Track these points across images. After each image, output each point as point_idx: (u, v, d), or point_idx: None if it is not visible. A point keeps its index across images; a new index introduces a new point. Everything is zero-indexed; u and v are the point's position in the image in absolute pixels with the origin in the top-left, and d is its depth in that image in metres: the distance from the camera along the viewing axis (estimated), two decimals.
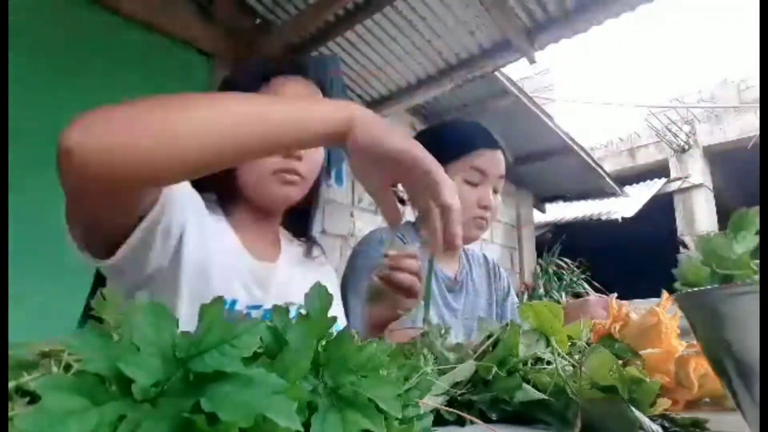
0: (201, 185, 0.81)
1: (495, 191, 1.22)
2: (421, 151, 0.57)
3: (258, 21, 2.72)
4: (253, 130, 0.50)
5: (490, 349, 0.58)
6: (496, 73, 3.18)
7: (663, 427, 0.47)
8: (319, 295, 0.36)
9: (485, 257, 1.41)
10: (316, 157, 0.89)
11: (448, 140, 1.23)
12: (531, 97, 3.93)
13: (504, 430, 0.46)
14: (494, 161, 1.21)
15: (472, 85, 3.21)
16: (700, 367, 0.59)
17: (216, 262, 0.79)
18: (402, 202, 1.27)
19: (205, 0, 2.54)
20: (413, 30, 2.71)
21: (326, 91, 0.94)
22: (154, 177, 0.52)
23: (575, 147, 4.51)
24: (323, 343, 0.34)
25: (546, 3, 2.50)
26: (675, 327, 0.65)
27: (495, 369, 0.53)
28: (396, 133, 0.57)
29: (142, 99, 0.49)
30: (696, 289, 0.40)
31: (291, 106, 0.55)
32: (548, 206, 6.08)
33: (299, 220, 1.00)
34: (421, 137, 1.33)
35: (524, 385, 0.51)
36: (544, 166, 4.81)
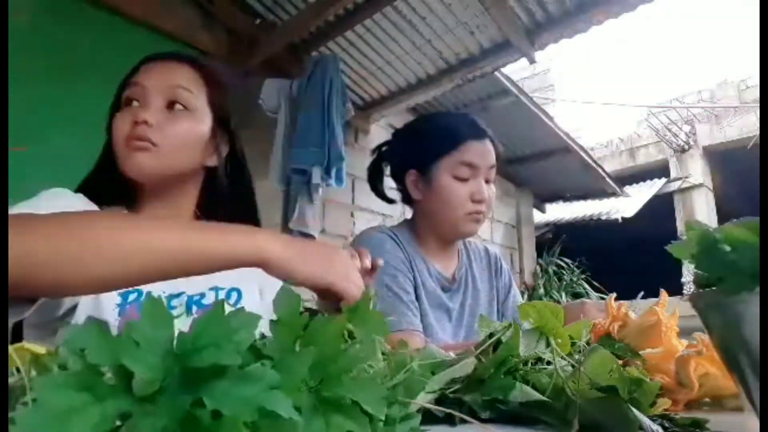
0: (105, 199, 0.86)
1: (487, 181, 1.18)
2: (336, 275, 0.62)
3: (258, 21, 2.72)
4: (165, 261, 0.57)
5: (491, 349, 0.58)
6: (496, 73, 3.18)
7: (663, 427, 0.47)
8: (287, 298, 0.37)
9: (487, 250, 1.37)
10: (174, 128, 0.86)
11: (432, 136, 1.19)
12: (531, 97, 3.92)
13: (501, 430, 0.46)
14: (483, 152, 1.16)
15: (472, 85, 3.21)
16: (700, 367, 0.59)
17: None
18: (408, 201, 1.26)
19: (205, 0, 2.54)
20: (413, 30, 2.71)
21: (206, 71, 0.94)
22: (95, 289, 0.61)
23: (575, 147, 4.50)
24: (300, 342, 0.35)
25: (546, 3, 2.50)
26: (675, 326, 0.65)
27: (492, 369, 0.53)
28: (311, 262, 0.61)
29: (72, 219, 0.55)
30: (712, 288, 0.40)
31: (204, 237, 0.59)
32: (548, 206, 6.07)
33: (227, 208, 0.95)
34: (402, 134, 1.30)
35: (523, 386, 0.51)
36: (544, 166, 4.80)
